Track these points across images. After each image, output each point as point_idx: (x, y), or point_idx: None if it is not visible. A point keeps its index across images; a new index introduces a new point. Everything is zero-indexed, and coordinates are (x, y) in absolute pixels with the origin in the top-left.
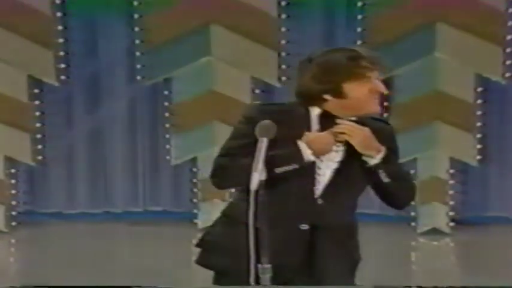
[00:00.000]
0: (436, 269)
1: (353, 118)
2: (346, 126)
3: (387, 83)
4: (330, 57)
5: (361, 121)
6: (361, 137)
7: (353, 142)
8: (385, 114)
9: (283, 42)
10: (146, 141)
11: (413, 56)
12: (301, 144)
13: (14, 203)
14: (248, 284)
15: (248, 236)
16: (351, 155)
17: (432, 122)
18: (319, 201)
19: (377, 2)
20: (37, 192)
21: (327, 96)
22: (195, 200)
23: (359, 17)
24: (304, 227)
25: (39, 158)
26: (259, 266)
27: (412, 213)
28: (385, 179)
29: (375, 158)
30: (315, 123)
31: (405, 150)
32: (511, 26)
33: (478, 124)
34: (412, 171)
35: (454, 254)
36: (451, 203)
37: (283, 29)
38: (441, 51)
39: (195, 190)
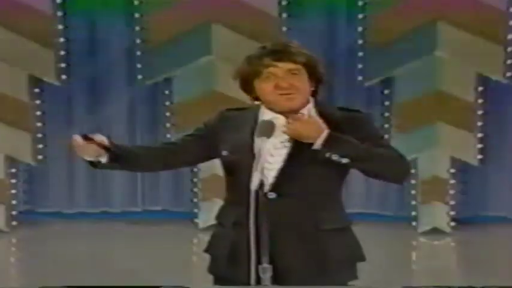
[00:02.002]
0: (437, 268)
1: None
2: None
3: (386, 82)
4: (244, 59)
5: (326, 113)
6: (294, 126)
7: (288, 133)
8: (387, 113)
9: None
10: (146, 140)
11: (414, 55)
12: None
13: (14, 202)
14: (248, 283)
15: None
16: (299, 148)
17: (433, 121)
18: (271, 196)
19: (377, 1)
20: (37, 191)
21: (250, 97)
22: (195, 200)
23: (359, 16)
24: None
25: (40, 157)
26: (259, 266)
27: (413, 213)
28: (341, 160)
29: (316, 144)
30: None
31: (406, 150)
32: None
33: (479, 124)
34: (412, 171)
35: (454, 254)
36: (452, 202)
37: (283, 29)
38: (442, 50)
39: (196, 190)
